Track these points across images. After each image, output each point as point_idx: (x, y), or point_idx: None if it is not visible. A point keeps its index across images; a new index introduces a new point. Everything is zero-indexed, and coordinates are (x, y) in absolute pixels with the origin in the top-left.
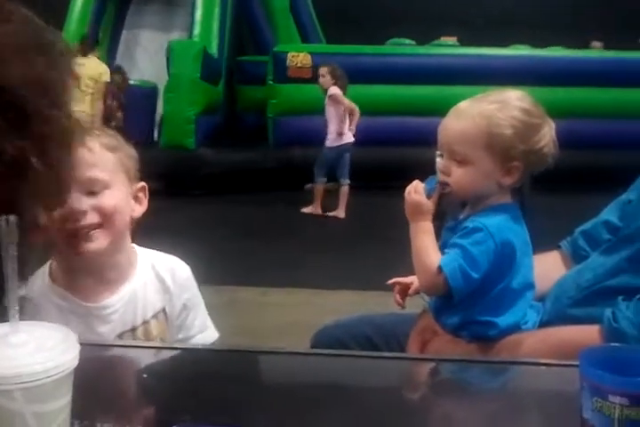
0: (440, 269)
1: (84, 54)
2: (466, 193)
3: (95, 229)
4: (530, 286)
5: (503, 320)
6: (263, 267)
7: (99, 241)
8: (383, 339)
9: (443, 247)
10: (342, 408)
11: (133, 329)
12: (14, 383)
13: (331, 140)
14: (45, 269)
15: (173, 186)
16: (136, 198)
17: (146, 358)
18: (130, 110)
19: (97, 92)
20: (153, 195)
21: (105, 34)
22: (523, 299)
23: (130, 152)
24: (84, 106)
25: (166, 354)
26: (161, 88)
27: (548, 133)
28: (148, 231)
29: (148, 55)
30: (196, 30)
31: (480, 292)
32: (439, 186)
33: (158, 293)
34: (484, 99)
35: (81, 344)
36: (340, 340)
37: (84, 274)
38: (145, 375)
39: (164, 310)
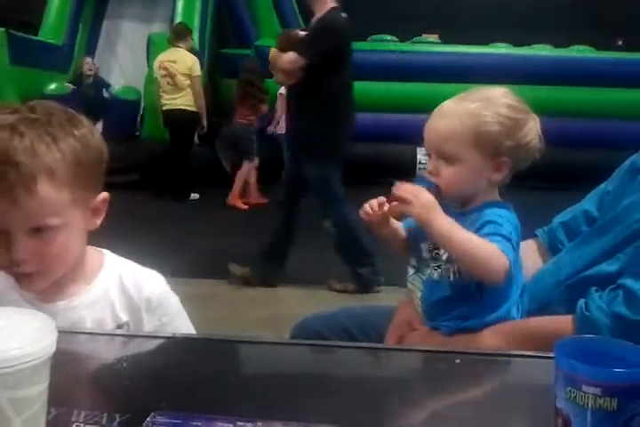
0: (503, 255)
1: (175, 44)
2: (457, 191)
3: (34, 275)
4: (520, 280)
5: (494, 315)
6: (243, 261)
7: (37, 284)
8: (362, 331)
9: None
10: (320, 398)
11: None
12: None
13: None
14: None
15: (151, 178)
16: (94, 210)
17: (124, 347)
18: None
19: (194, 87)
20: (131, 187)
21: (85, 23)
22: (513, 294)
23: (89, 164)
24: (184, 100)
25: (145, 343)
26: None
27: (533, 128)
28: (123, 223)
29: (128, 46)
30: (177, 22)
31: (481, 288)
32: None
33: (122, 305)
34: (467, 97)
35: (59, 332)
36: (318, 332)
37: None
38: (123, 364)
39: (128, 324)
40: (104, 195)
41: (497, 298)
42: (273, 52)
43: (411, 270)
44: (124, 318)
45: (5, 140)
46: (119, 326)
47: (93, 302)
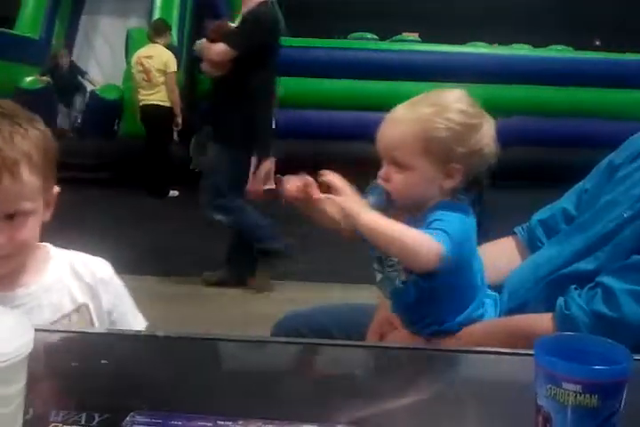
0: (435, 242)
1: (153, 40)
2: (408, 198)
3: (3, 258)
4: (483, 278)
5: (463, 315)
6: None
7: (2, 269)
8: (341, 329)
9: None
10: (301, 396)
11: (52, 324)
12: None
13: None
14: None
15: (128, 175)
16: (48, 202)
17: (104, 345)
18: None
19: (168, 84)
20: (108, 184)
21: (63, 18)
22: (481, 292)
23: (51, 155)
24: (159, 96)
25: (124, 341)
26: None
27: (487, 133)
28: (98, 220)
29: (106, 41)
30: (156, 17)
31: (448, 289)
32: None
33: (78, 289)
34: (419, 102)
35: (36, 330)
36: (298, 330)
37: None
38: (102, 363)
39: (87, 305)
40: (56, 188)
41: (462, 297)
42: (202, 42)
43: (378, 275)
44: (82, 299)
45: None
46: (78, 308)
47: (49, 287)
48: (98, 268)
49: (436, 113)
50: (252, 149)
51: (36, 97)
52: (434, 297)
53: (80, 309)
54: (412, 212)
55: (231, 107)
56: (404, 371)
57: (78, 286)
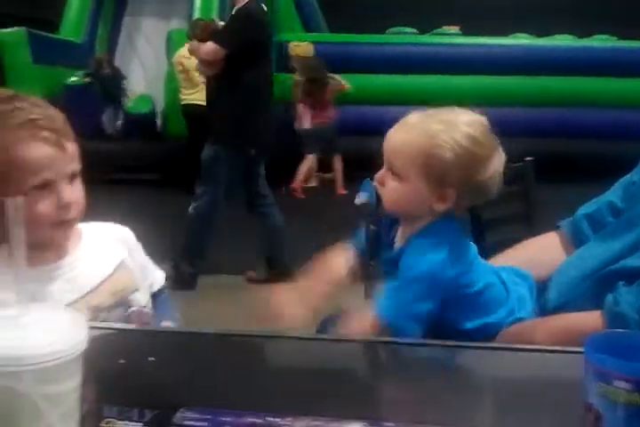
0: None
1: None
2: (396, 208)
3: (71, 222)
4: (501, 288)
5: (493, 318)
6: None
7: (69, 231)
8: None
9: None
10: (349, 394)
11: (102, 282)
12: (22, 365)
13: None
14: None
15: (173, 177)
16: None
17: (154, 342)
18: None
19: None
20: (153, 185)
21: (106, 21)
22: (503, 299)
23: None
24: (198, 96)
25: (174, 338)
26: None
27: (494, 166)
28: (141, 219)
29: (149, 43)
30: (196, 18)
31: (458, 315)
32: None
33: (113, 250)
34: (434, 115)
35: (90, 327)
36: None
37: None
38: (151, 359)
39: (125, 264)
40: None
41: (483, 313)
42: (192, 43)
43: None
44: (119, 259)
45: (30, 106)
46: (118, 267)
47: (88, 253)
48: (123, 231)
49: (445, 131)
50: (247, 148)
51: (83, 93)
52: (449, 328)
53: (120, 267)
54: (405, 221)
55: (224, 105)
56: (452, 369)
57: (113, 247)
